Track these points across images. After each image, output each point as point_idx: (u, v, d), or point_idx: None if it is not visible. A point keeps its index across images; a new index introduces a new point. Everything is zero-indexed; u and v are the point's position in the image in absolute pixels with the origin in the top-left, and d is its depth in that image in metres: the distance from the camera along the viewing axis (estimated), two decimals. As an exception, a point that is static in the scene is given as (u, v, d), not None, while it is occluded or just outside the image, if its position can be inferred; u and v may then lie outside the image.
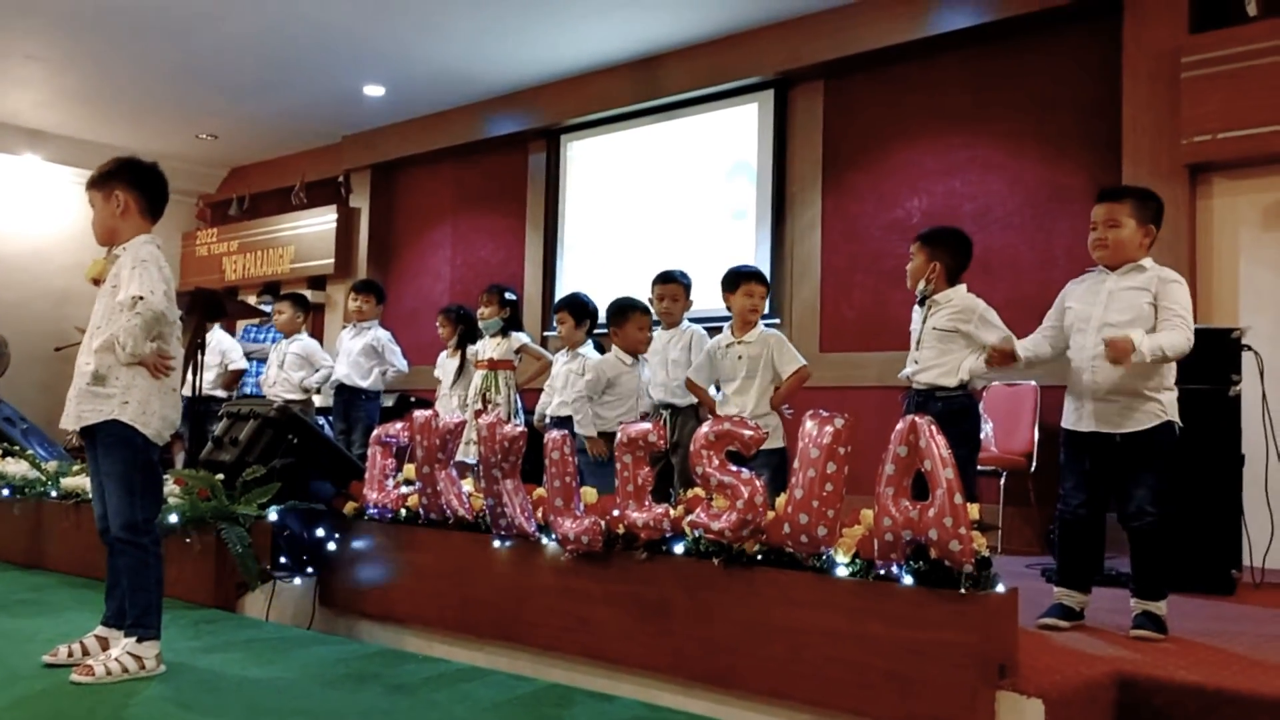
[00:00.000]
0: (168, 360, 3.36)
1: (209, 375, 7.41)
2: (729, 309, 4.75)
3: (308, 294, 10.18)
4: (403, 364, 7.11)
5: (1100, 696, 2.81)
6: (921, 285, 4.10)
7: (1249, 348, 4.39)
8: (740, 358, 4.60)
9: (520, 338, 6.12)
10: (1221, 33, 5.37)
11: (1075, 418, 3.55)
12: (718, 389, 4.74)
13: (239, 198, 11.42)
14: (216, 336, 7.68)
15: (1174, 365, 3.43)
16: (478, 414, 4.91)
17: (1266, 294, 5.31)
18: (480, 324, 6.17)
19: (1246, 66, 5.23)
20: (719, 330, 4.83)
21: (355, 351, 6.97)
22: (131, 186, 3.43)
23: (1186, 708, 2.66)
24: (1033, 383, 5.83)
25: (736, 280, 4.71)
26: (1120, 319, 3.42)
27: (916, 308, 4.21)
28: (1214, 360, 4.30)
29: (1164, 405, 3.40)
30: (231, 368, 7.70)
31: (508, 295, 6.20)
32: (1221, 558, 4.25)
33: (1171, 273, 3.50)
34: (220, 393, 7.48)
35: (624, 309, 5.17)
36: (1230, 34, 5.32)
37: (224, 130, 10.29)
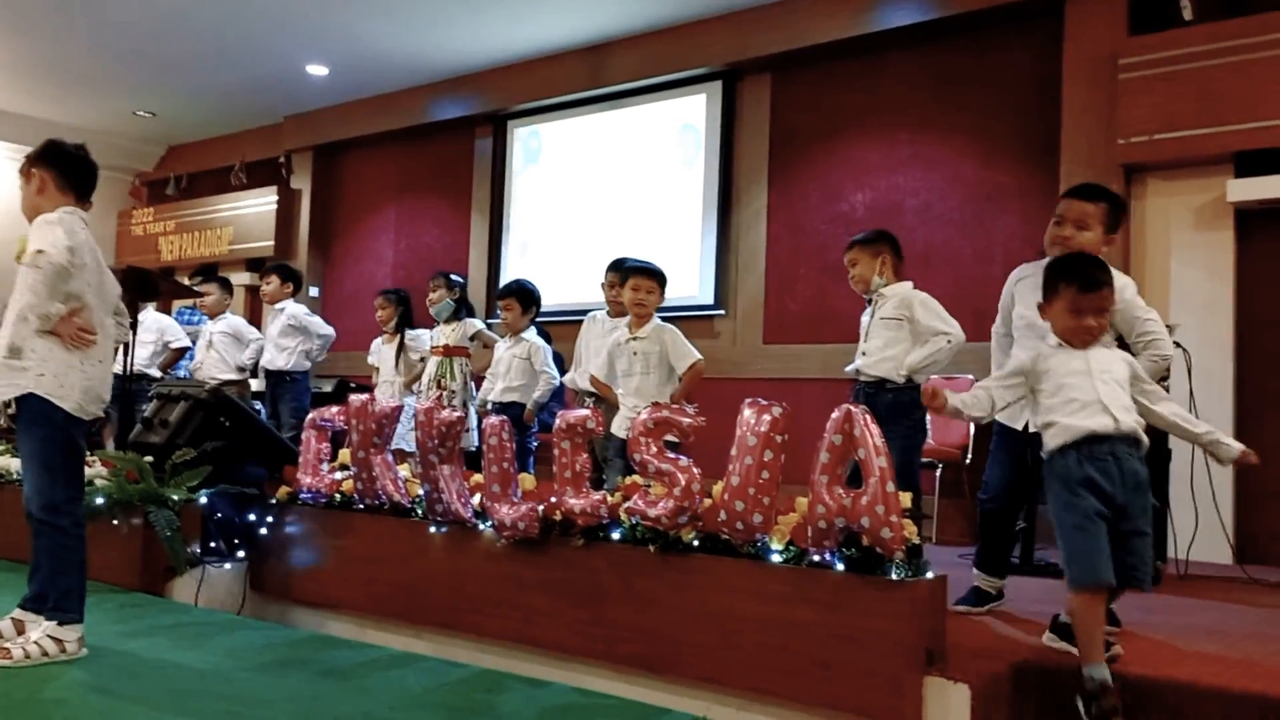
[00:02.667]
0: (87, 332, 3.27)
1: (143, 352, 7.27)
2: (618, 298, 4.69)
3: (246, 276, 10.07)
4: (328, 330, 7.03)
5: (1025, 683, 2.85)
6: (876, 280, 4.08)
7: (1178, 345, 4.48)
8: (635, 353, 4.55)
9: (474, 324, 6.06)
10: (1158, 36, 5.48)
11: (1011, 413, 3.52)
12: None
13: (177, 177, 11.18)
14: (152, 315, 7.52)
15: None
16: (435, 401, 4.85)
17: (1195, 293, 5.44)
18: (431, 310, 6.07)
19: (1182, 69, 5.34)
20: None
21: (275, 334, 6.89)
22: (49, 165, 3.39)
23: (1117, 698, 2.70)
24: (969, 377, 5.91)
25: (626, 273, 4.67)
26: None
27: (867, 309, 4.21)
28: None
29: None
30: (173, 346, 7.56)
31: (454, 278, 6.13)
32: (1147, 550, 4.34)
33: (1120, 279, 3.38)
34: (155, 371, 7.33)
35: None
36: (1167, 37, 5.43)
37: (162, 107, 10.06)
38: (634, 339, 4.58)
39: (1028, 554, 4.74)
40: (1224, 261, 5.38)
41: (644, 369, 4.53)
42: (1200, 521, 4.62)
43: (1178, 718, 2.60)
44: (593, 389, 5.01)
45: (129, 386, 6.04)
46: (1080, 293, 2.79)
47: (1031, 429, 3.44)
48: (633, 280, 4.60)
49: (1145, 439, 2.73)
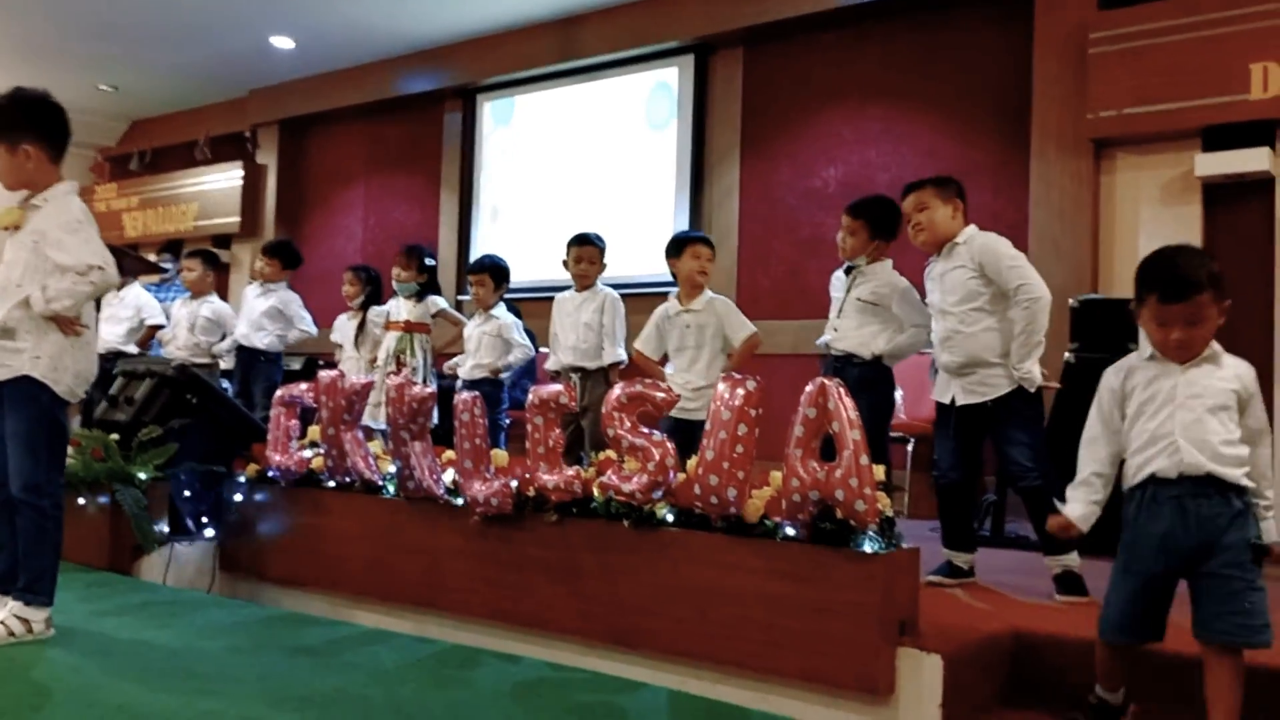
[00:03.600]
0: (76, 319, 3.23)
1: (120, 329, 7.18)
2: (673, 275, 4.52)
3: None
4: (312, 328, 6.89)
5: (996, 652, 2.88)
6: (861, 261, 4.08)
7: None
8: (689, 326, 4.40)
9: (437, 301, 5.99)
10: (1129, 10, 5.49)
11: (941, 390, 3.69)
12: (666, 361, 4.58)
13: (140, 152, 11.01)
14: (134, 291, 7.41)
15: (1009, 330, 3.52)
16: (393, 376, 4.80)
17: (1164, 267, 5.48)
18: (395, 285, 6.00)
19: (1151, 44, 5.36)
20: (636, 296, 4.77)
21: (258, 312, 6.73)
22: (39, 135, 3.23)
23: (1076, 663, 2.73)
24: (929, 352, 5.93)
25: (682, 244, 4.50)
26: (953, 299, 3.59)
27: (840, 275, 4.21)
28: (1111, 329, 4.42)
29: (1017, 370, 3.49)
30: (150, 323, 7.42)
31: (428, 260, 6.03)
32: (1115, 521, 4.38)
33: (983, 238, 3.60)
34: (131, 348, 7.22)
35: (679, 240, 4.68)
36: (1137, 12, 5.45)
37: (125, 81, 9.87)
38: (687, 311, 4.43)
39: (998, 527, 4.79)
40: (1191, 235, 5.42)
41: (698, 342, 4.39)
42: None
43: (1148, 685, 2.63)
44: (576, 364, 4.97)
45: (105, 364, 5.96)
46: (1161, 303, 2.35)
47: (960, 402, 3.57)
48: (693, 248, 4.45)
49: (1234, 476, 2.29)
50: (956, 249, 3.62)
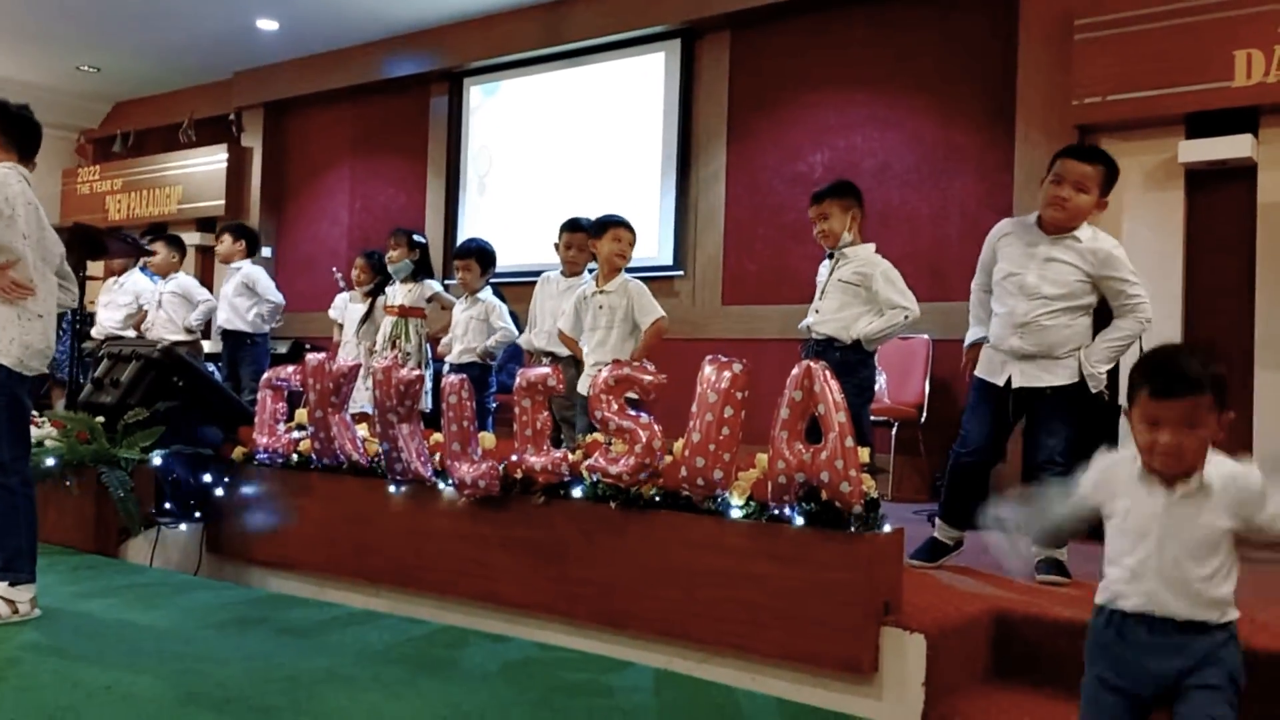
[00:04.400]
0: (21, 285, 3.21)
1: (118, 315, 7.20)
2: (595, 255, 4.60)
3: (198, 236, 9.88)
4: (277, 297, 6.94)
5: (977, 632, 2.91)
6: (845, 236, 4.09)
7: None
8: (601, 307, 4.46)
9: (433, 285, 6.00)
10: (1114, -4, 5.51)
11: (994, 369, 3.56)
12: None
13: (123, 134, 10.91)
14: (134, 278, 7.44)
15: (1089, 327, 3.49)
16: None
17: (1147, 253, 5.51)
18: (390, 268, 6.00)
19: (1136, 30, 5.38)
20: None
21: (230, 294, 6.80)
22: None
23: (1056, 642, 2.77)
24: (925, 336, 5.97)
25: (604, 226, 4.56)
26: (1052, 291, 3.45)
27: (825, 261, 4.23)
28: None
29: (1093, 367, 3.46)
30: (147, 308, 7.44)
31: (417, 238, 6.05)
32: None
33: (1106, 242, 3.47)
34: (130, 333, 7.23)
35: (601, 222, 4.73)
36: (1122, -2, 5.47)
37: (107, 62, 9.78)
38: (601, 292, 4.50)
39: (977, 507, 4.82)
40: (1174, 221, 5.46)
41: (608, 323, 4.45)
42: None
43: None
44: (549, 349, 5.00)
45: (96, 350, 5.95)
46: (1152, 398, 2.01)
47: (1016, 384, 3.51)
48: (614, 231, 4.51)
49: (1214, 619, 2.00)
50: (1076, 244, 3.46)
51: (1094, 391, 3.44)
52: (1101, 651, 2.08)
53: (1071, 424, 3.47)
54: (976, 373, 3.65)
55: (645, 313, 4.43)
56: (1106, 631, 2.07)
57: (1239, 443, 5.47)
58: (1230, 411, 2.03)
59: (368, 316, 6.30)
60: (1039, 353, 3.47)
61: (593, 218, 5.19)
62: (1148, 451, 2.02)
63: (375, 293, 6.33)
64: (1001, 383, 3.54)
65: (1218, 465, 2.03)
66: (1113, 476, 2.12)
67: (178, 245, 7.32)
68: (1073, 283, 3.45)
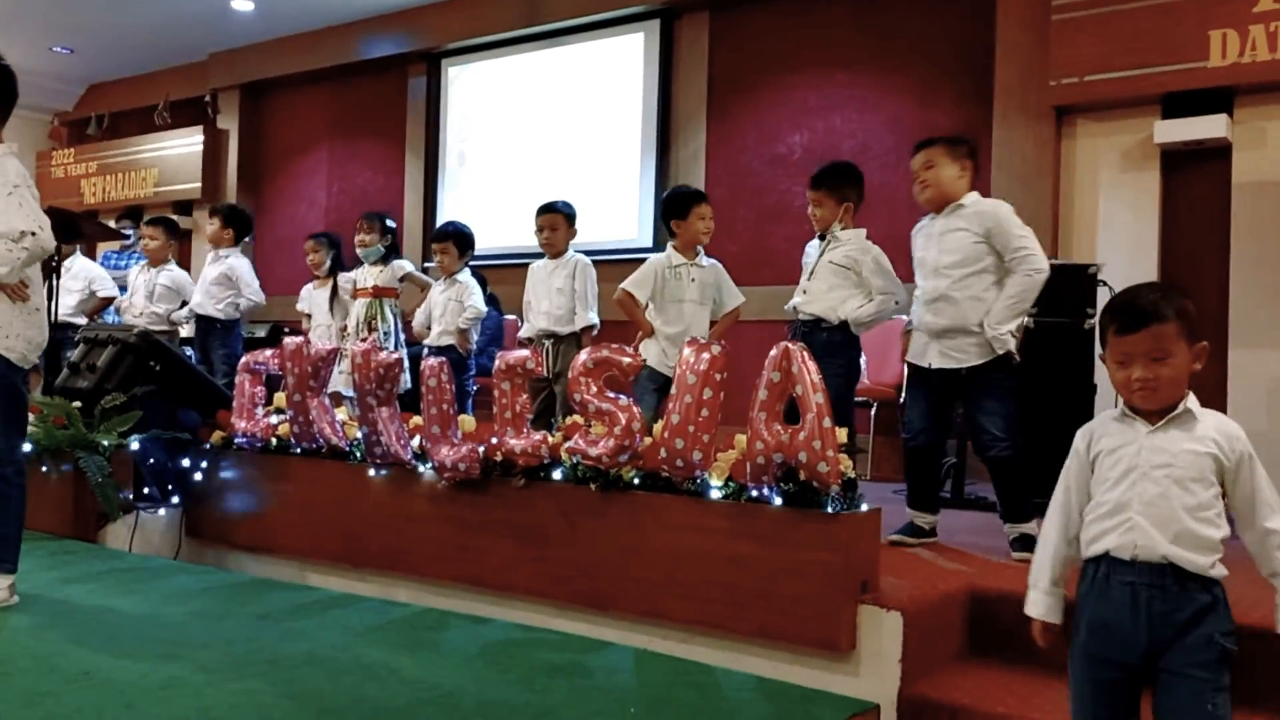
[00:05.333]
0: (26, 285, 3.20)
1: (70, 300, 7.08)
2: (675, 234, 4.51)
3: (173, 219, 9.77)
4: (258, 296, 6.77)
5: (953, 609, 2.94)
6: (836, 227, 4.10)
7: (1104, 283, 4.59)
8: (694, 280, 4.45)
9: (403, 265, 5.97)
10: (1091, -23, 5.53)
11: (919, 352, 3.68)
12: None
13: (98, 116, 10.79)
14: (81, 262, 7.32)
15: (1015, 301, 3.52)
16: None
17: (1122, 232, 5.57)
18: (360, 251, 5.97)
19: (1113, 11, 5.40)
20: (601, 263, 4.76)
21: (209, 279, 6.65)
22: None
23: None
24: (905, 317, 5.99)
25: (689, 202, 4.52)
26: (949, 260, 3.56)
27: (814, 242, 4.23)
28: (1071, 294, 4.49)
29: (992, 329, 3.50)
30: (101, 294, 7.33)
31: (388, 223, 6.02)
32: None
33: (991, 204, 3.60)
34: (80, 319, 7.12)
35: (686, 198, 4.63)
36: (1099, -21, 5.49)
37: (81, 43, 9.67)
38: (693, 265, 4.48)
39: (958, 489, 4.87)
40: (1150, 201, 5.50)
41: (699, 298, 4.46)
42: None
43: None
44: (550, 329, 4.93)
45: (55, 334, 5.88)
46: (1118, 335, 2.03)
47: (935, 365, 3.57)
48: (699, 208, 4.50)
49: (1198, 565, 1.93)
50: (961, 210, 3.58)
51: (1000, 353, 3.46)
52: (1086, 619, 2.02)
53: (1003, 399, 3.52)
54: (907, 357, 3.77)
55: (734, 295, 4.56)
56: (1089, 594, 2.02)
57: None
58: (1203, 342, 2.04)
59: (334, 296, 6.27)
60: (952, 326, 3.53)
61: (564, 199, 5.19)
62: (1125, 389, 2.03)
63: (333, 271, 6.30)
64: (926, 364, 3.63)
65: (1205, 410, 2.04)
66: (1093, 442, 2.09)
67: (175, 231, 7.11)
68: (967, 246, 3.54)
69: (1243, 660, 2.01)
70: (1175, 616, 1.92)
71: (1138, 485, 1.98)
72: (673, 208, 4.56)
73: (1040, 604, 2.12)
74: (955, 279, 3.54)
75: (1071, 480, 2.12)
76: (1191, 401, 2.04)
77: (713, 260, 4.59)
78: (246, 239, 6.88)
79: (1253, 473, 1.98)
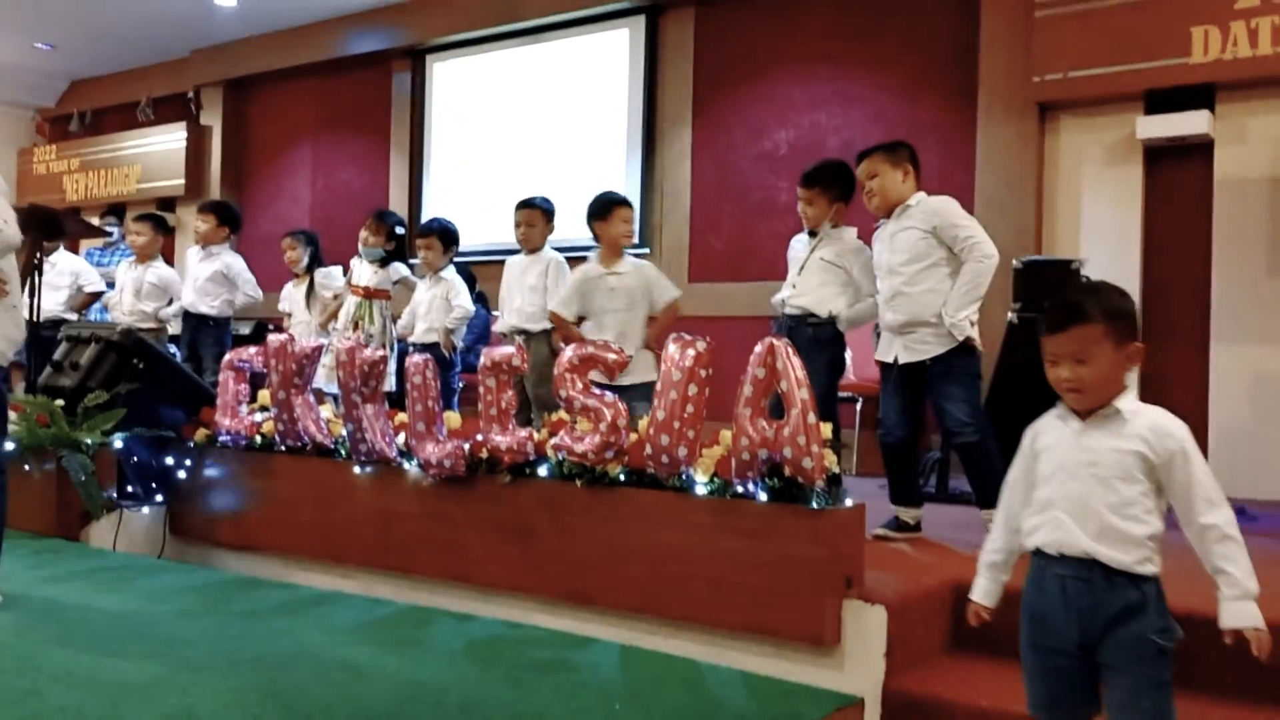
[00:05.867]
0: (4, 281, 3.18)
1: (58, 296, 7.05)
2: (596, 238, 4.55)
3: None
4: (257, 293, 6.77)
5: (937, 603, 2.96)
6: (826, 225, 4.12)
7: (1087, 278, 4.61)
8: (614, 289, 4.44)
9: (401, 269, 5.90)
10: (1074, -26, 5.55)
11: (884, 350, 3.79)
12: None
13: (81, 113, 10.73)
14: (67, 258, 7.28)
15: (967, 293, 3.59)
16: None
17: (1105, 227, 5.60)
18: (361, 249, 5.90)
19: (1096, 8, 5.43)
20: (583, 259, 4.75)
21: (203, 278, 6.60)
22: None
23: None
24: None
25: (610, 207, 4.52)
26: (901, 259, 3.68)
27: (802, 237, 4.23)
28: (1054, 289, 4.48)
29: (950, 317, 3.58)
30: (88, 289, 7.29)
31: (398, 229, 5.92)
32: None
33: (935, 200, 3.71)
34: (71, 315, 7.08)
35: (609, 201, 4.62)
36: (1082, -24, 5.51)
37: (63, 39, 9.60)
38: (613, 273, 4.45)
39: (943, 483, 4.89)
40: (1132, 197, 5.53)
41: (627, 304, 4.41)
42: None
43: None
44: (521, 326, 4.97)
45: (43, 332, 5.84)
46: (1045, 334, 2.09)
47: (901, 360, 3.65)
48: (620, 211, 4.50)
49: (1123, 562, 1.94)
50: (908, 211, 3.71)
51: (960, 339, 3.56)
52: (1027, 609, 2.08)
53: (966, 385, 3.62)
54: (875, 356, 3.88)
55: (665, 291, 4.49)
56: (1029, 585, 2.07)
57: (1196, 413, 5.60)
58: (1136, 343, 2.05)
59: (310, 292, 6.25)
60: (911, 320, 3.64)
61: (543, 195, 5.20)
62: (1057, 387, 2.07)
63: (311, 267, 6.28)
64: (891, 360, 3.73)
65: (1142, 408, 2.04)
66: (1037, 438, 2.14)
67: (163, 227, 7.06)
68: (916, 243, 3.66)
69: (1193, 646, 2.08)
70: (1102, 611, 1.95)
71: (1064, 484, 2.02)
72: (595, 210, 4.57)
73: (978, 588, 2.22)
74: (908, 276, 3.66)
75: (1017, 475, 2.17)
76: (1124, 400, 2.04)
77: (638, 262, 4.56)
78: (234, 235, 6.88)
79: (1187, 469, 1.98)
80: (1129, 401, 2.05)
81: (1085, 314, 2.02)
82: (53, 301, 6.97)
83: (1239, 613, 1.93)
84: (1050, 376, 2.07)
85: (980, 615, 2.22)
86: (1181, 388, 5.36)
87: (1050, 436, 2.10)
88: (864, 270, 4.01)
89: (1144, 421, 2.02)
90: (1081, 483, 2.00)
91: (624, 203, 4.60)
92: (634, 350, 4.28)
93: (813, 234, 4.16)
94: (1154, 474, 1.98)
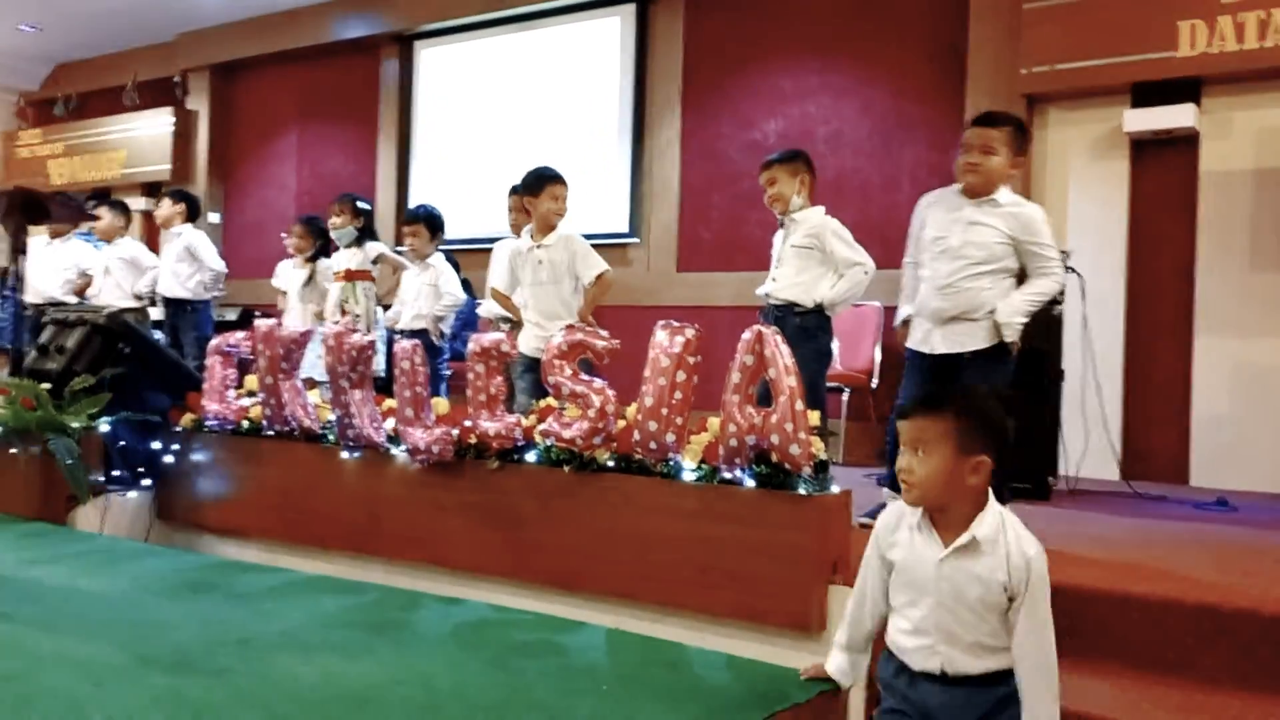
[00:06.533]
0: None
1: (57, 279, 7.08)
2: (531, 213, 4.48)
3: (143, 201, 9.68)
4: (218, 264, 6.84)
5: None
6: (795, 200, 4.10)
7: (1073, 270, 4.64)
8: (540, 262, 4.38)
9: (377, 246, 5.93)
10: (1062, -33, 5.57)
11: (921, 339, 3.61)
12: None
13: (65, 96, 10.65)
14: (72, 243, 7.36)
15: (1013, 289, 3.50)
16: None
17: (1091, 220, 5.63)
18: (333, 234, 5.93)
19: (1084, 0, 5.45)
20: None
21: (171, 259, 6.71)
22: None
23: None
24: (876, 303, 6.04)
25: (541, 182, 4.45)
26: (976, 254, 3.46)
27: (779, 231, 4.26)
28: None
29: (1008, 318, 3.47)
30: (91, 273, 7.31)
31: (360, 204, 5.98)
32: (1040, 466, 4.55)
33: (1028, 208, 3.50)
34: (71, 299, 7.10)
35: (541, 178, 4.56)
36: (1070, -32, 5.53)
37: (48, 21, 9.52)
38: (539, 247, 4.41)
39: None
40: (1119, 190, 5.56)
41: (551, 277, 4.37)
42: (1090, 440, 4.83)
43: (1068, 618, 2.75)
44: (505, 315, 4.98)
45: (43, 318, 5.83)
46: (896, 418, 2.09)
47: (939, 351, 3.57)
48: (551, 188, 4.42)
49: (997, 667, 2.00)
50: (995, 207, 3.47)
51: (1006, 340, 3.44)
52: (895, 692, 2.09)
53: (999, 383, 3.50)
54: (908, 344, 3.68)
55: (590, 266, 4.38)
56: (898, 680, 2.08)
57: (1178, 405, 5.64)
58: (983, 457, 1.98)
59: (310, 281, 6.24)
60: (958, 313, 3.48)
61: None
62: (897, 477, 2.06)
63: (316, 257, 6.27)
64: (928, 350, 3.57)
65: (998, 531, 2.00)
66: (893, 526, 2.13)
67: (122, 210, 7.23)
68: (994, 245, 3.45)
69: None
70: (987, 701, 1.99)
71: (935, 613, 2.01)
72: (526, 185, 4.53)
73: (837, 665, 2.33)
74: (975, 272, 3.45)
75: (866, 585, 2.21)
76: (982, 528, 2.00)
77: (567, 234, 4.46)
78: (201, 218, 6.95)
79: (1031, 608, 1.97)
80: (986, 525, 2.00)
81: (936, 406, 1.99)
82: (52, 284, 7.01)
83: None
84: (898, 463, 2.06)
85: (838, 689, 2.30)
86: (1164, 380, 5.41)
87: (905, 551, 2.07)
88: (837, 240, 3.99)
89: (1003, 553, 1.98)
90: (952, 614, 1.99)
91: (555, 179, 4.48)
92: (563, 324, 4.27)
93: (784, 225, 4.18)
94: (1011, 597, 1.99)
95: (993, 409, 2.03)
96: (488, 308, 5.13)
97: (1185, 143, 5.39)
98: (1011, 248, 3.45)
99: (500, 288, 4.62)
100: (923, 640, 2.03)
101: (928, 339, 3.57)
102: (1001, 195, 3.49)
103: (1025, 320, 3.45)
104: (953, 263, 3.49)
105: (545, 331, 4.18)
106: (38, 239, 7.42)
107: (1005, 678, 2.00)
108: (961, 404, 1.99)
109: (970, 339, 3.49)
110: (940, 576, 2.00)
